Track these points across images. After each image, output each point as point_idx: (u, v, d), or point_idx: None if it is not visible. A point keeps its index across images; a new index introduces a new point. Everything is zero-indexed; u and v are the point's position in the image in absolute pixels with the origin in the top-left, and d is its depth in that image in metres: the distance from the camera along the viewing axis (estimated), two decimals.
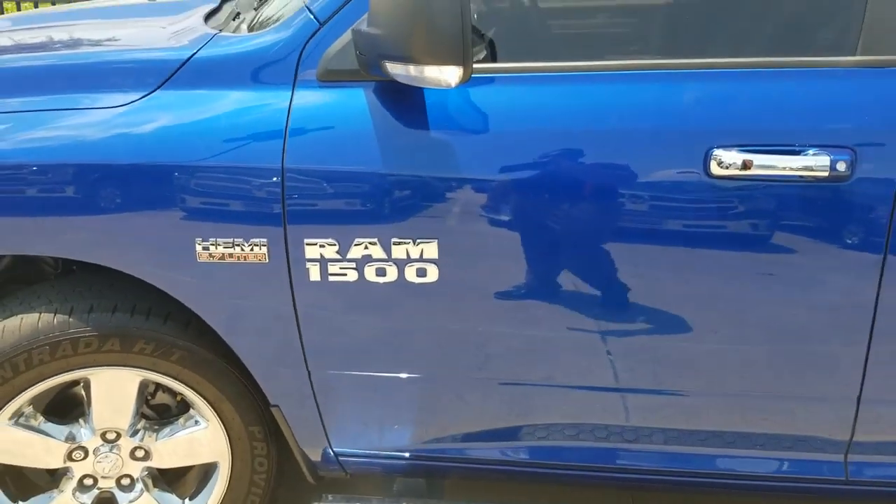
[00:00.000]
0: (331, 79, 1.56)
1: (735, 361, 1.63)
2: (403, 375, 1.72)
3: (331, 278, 1.60)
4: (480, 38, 1.78)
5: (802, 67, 1.52)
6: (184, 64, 1.62)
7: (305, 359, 1.70)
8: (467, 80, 1.36)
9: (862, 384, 1.59)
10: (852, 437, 1.65)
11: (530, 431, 1.76)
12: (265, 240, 1.58)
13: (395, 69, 1.39)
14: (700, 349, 1.62)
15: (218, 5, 2.09)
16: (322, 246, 1.58)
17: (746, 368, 1.63)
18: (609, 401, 1.71)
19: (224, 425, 1.87)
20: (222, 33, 1.77)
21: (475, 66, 1.43)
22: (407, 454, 1.83)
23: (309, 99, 1.57)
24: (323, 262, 1.59)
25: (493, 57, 1.69)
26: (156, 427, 1.89)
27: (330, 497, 1.86)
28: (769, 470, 1.72)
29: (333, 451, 1.83)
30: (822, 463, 1.70)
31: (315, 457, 1.86)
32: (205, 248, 1.59)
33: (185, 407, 1.89)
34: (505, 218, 1.54)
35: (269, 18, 1.73)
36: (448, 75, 1.34)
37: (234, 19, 1.91)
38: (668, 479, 1.78)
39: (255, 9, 1.95)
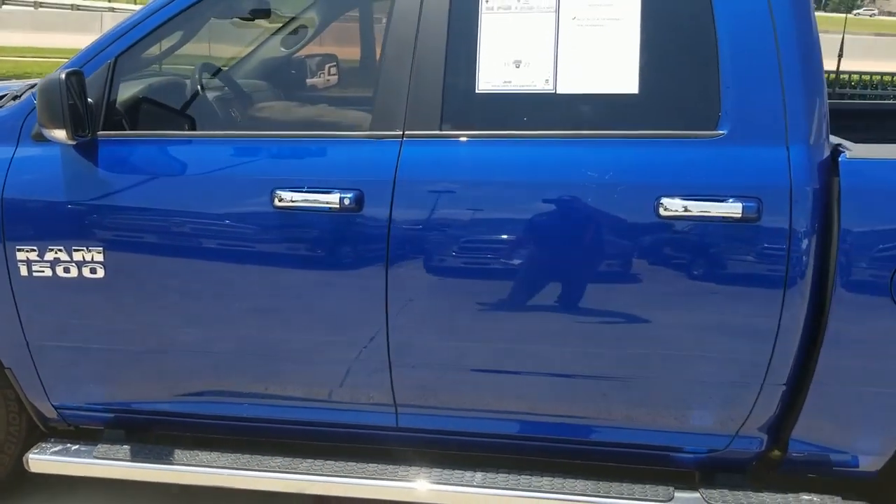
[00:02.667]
0: (40, 139, 2.35)
1: (304, 344, 2.36)
2: (95, 346, 2.45)
3: (34, 274, 2.36)
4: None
5: (334, 138, 2.31)
6: None
7: (24, 332, 2.43)
8: (72, 140, 2.17)
9: (388, 355, 2.29)
10: (394, 394, 2.34)
11: (196, 391, 2.47)
12: None
13: (44, 132, 2.20)
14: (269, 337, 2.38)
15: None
16: (27, 251, 2.34)
17: (307, 344, 2.36)
18: (255, 362, 2.42)
19: None
20: None
21: (131, 132, 2.26)
22: (108, 409, 2.54)
23: (25, 152, 2.37)
24: (28, 262, 2.35)
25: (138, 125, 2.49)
26: None
27: (51, 440, 2.56)
28: (337, 419, 2.41)
29: (53, 406, 2.54)
30: (378, 413, 2.39)
31: (43, 410, 2.56)
32: None
33: None
34: (139, 236, 2.31)
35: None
36: (59, 136, 2.16)
37: (13, 99, 2.72)
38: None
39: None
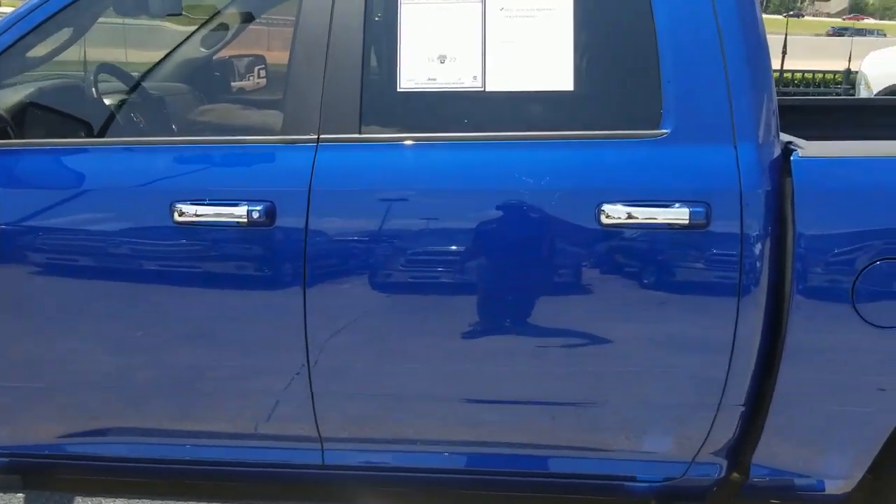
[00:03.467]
0: None
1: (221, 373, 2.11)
2: None
3: None
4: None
5: (242, 144, 2.07)
6: None
7: None
8: None
9: (310, 382, 2.06)
10: (318, 428, 2.11)
11: (99, 430, 2.21)
12: None
13: None
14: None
15: None
16: None
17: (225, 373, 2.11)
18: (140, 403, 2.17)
19: None
20: None
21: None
22: (2, 452, 2.25)
23: None
24: None
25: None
26: None
27: None
28: (256, 458, 2.17)
29: None
30: (301, 451, 2.15)
31: None
32: None
33: None
34: (27, 256, 2.04)
35: None
36: None
37: None
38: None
39: None
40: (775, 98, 1.96)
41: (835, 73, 11.69)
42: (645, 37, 1.95)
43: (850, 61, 10.18)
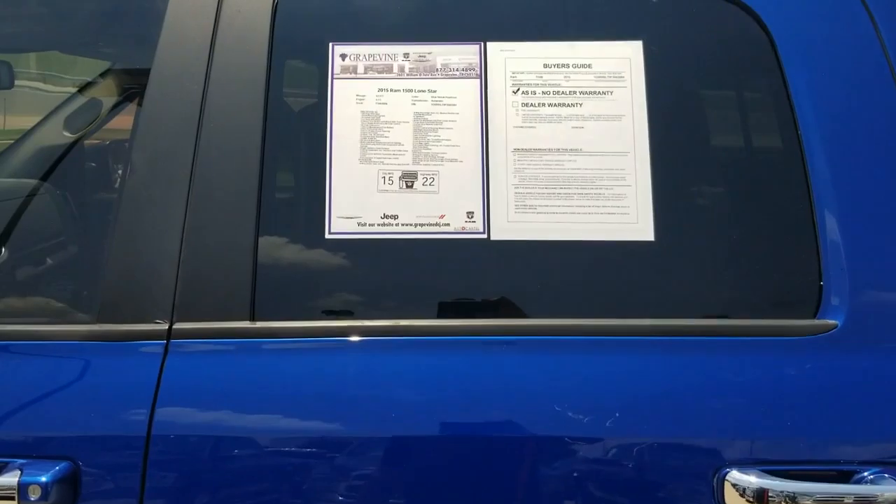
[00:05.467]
0: None
1: None
2: None
3: None
4: None
5: (20, 338, 1.09)
6: None
7: None
8: None
9: None
10: None
11: None
12: None
13: None
14: None
15: None
16: None
17: None
18: None
19: None
20: None
21: None
22: None
23: None
24: None
25: None
26: None
27: None
28: None
29: None
30: None
31: None
32: None
33: None
34: None
35: None
36: None
37: None
38: None
39: None
40: None
41: None
42: (785, 154, 1.07)
43: None
